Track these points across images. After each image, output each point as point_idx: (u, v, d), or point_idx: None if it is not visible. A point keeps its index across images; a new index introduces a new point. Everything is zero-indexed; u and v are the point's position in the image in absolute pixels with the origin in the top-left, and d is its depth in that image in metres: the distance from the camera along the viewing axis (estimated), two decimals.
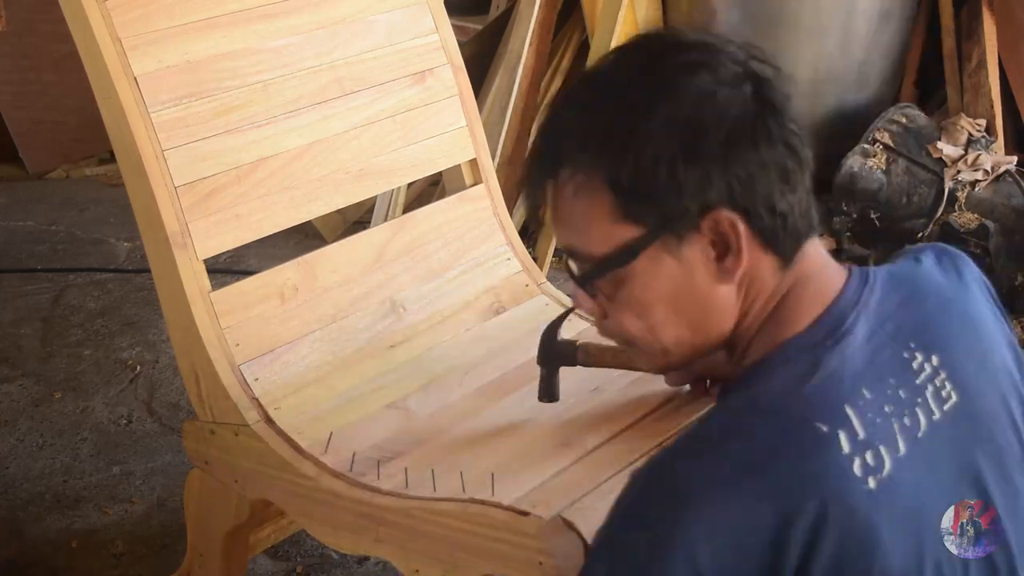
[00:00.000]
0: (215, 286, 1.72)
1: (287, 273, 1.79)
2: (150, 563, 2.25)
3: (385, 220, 2.96)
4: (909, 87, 3.68)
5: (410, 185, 3.39)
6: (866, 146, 3.30)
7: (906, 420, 1.01)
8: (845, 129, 3.39)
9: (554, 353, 1.66)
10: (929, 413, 1.03)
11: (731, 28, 3.37)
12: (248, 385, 1.69)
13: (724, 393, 1.07)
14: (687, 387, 1.64)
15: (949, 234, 3.15)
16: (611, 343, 1.59)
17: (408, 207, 3.43)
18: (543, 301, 1.98)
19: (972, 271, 1.17)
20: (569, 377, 1.69)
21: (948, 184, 3.20)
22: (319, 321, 1.79)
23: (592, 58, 3.41)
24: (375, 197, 3.35)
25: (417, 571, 1.55)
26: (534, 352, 1.72)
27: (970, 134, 3.30)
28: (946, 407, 1.04)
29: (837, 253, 3.38)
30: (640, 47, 1.06)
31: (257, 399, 1.69)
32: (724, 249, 1.02)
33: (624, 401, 1.69)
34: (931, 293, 1.11)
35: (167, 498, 2.44)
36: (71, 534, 2.35)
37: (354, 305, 1.84)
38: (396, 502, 1.54)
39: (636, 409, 1.66)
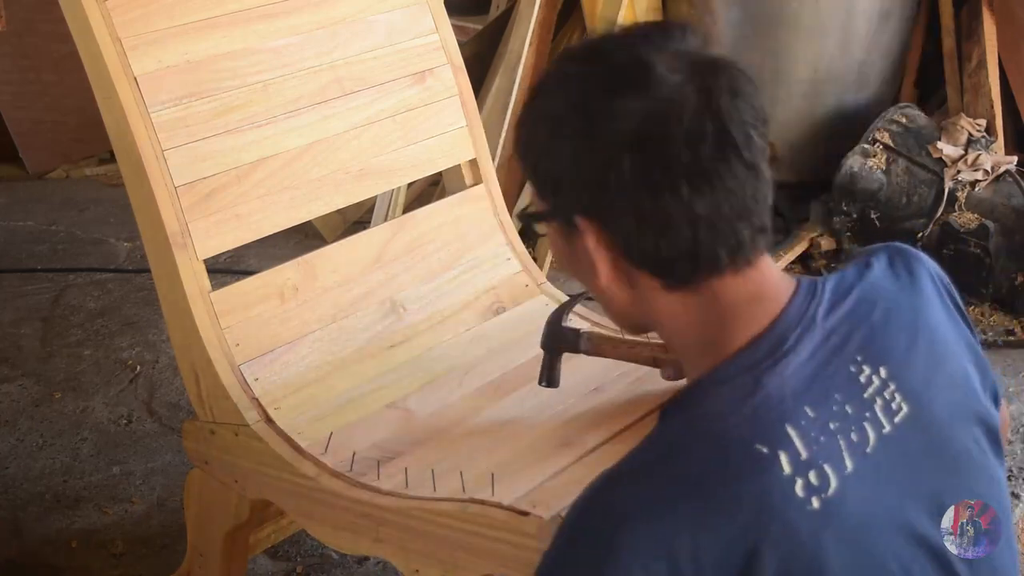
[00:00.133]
0: (215, 286, 1.73)
1: (287, 273, 1.79)
2: (150, 563, 2.25)
3: (385, 220, 2.96)
4: (909, 87, 3.68)
5: (410, 185, 3.39)
6: (866, 146, 3.30)
7: (853, 436, 0.99)
8: (845, 129, 3.39)
9: (558, 337, 1.66)
10: (879, 427, 1.01)
11: (731, 28, 3.37)
12: (248, 385, 1.69)
13: (664, 414, 1.04)
14: (683, 381, 1.63)
15: (949, 234, 3.15)
16: (617, 334, 1.59)
17: (408, 207, 3.43)
18: (543, 301, 1.98)
19: (928, 270, 1.14)
20: (569, 377, 1.70)
21: (948, 184, 3.20)
22: (319, 321, 1.79)
23: None
24: (375, 197, 3.35)
25: (417, 571, 1.55)
26: (534, 352, 1.73)
27: (970, 134, 3.30)
28: (897, 419, 1.02)
29: (837, 253, 3.39)
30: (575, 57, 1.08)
31: (257, 399, 1.69)
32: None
33: (624, 401, 1.69)
34: (879, 301, 1.08)
35: (167, 498, 2.44)
36: (71, 534, 2.35)
37: (354, 305, 1.84)
38: (396, 502, 1.54)
39: (636, 409, 1.66)
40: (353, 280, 1.85)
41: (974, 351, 1.13)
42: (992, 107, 3.39)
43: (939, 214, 3.20)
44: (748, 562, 0.93)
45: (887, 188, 3.27)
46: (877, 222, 3.26)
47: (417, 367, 1.82)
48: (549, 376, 1.67)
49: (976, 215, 3.18)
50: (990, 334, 3.04)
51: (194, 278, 1.69)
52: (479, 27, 3.76)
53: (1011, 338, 3.04)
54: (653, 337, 1.39)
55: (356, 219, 3.60)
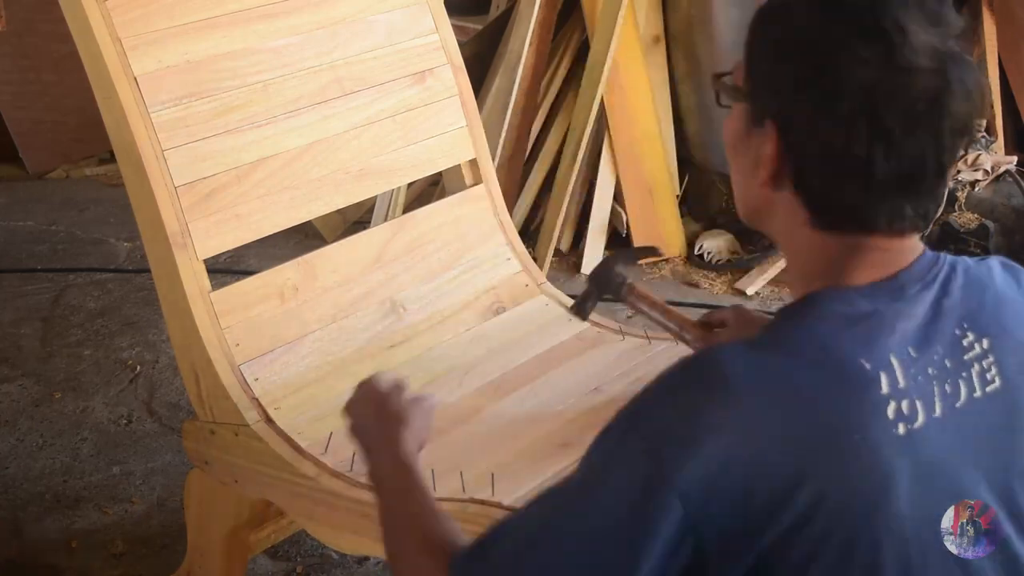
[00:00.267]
0: (215, 286, 1.73)
1: (287, 273, 1.79)
2: (150, 563, 2.25)
3: (385, 220, 2.96)
4: None
5: (410, 185, 3.39)
6: None
7: (947, 387, 1.04)
8: None
9: (606, 277, 1.70)
10: (971, 389, 1.06)
11: (731, 28, 3.37)
12: (248, 385, 1.69)
13: (781, 312, 1.11)
14: None
15: (949, 234, 3.15)
16: (659, 300, 1.66)
17: (408, 207, 3.43)
18: (543, 301, 1.98)
19: None
20: (569, 377, 1.70)
21: (948, 184, 3.20)
22: (319, 321, 1.79)
23: (592, 58, 3.42)
24: (375, 197, 3.35)
25: None
26: (534, 352, 1.73)
27: None
28: (988, 389, 1.07)
29: None
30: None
31: (257, 399, 1.69)
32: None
33: (624, 401, 1.69)
34: (991, 287, 1.13)
35: (167, 498, 2.44)
36: (71, 534, 2.35)
37: (354, 305, 1.84)
38: None
39: None
40: (353, 280, 1.85)
41: None
42: (992, 107, 3.39)
43: (939, 214, 3.20)
44: (826, 463, 0.98)
45: None
46: None
47: (417, 367, 1.82)
48: (581, 307, 1.73)
49: (976, 215, 3.18)
50: None
51: (194, 278, 1.69)
52: (479, 27, 3.76)
53: None
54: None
55: (356, 219, 3.60)
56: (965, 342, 1.07)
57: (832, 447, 0.98)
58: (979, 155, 3.23)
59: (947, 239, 3.16)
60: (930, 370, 1.04)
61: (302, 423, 1.69)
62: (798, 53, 1.07)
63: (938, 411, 1.03)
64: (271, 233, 1.79)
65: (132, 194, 1.70)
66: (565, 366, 1.71)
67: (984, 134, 3.32)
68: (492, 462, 1.57)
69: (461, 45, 2.10)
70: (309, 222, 2.17)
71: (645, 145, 3.49)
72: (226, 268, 3.21)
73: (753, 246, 3.44)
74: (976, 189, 3.20)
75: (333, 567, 2.23)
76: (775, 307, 2.99)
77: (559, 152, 3.54)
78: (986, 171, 3.21)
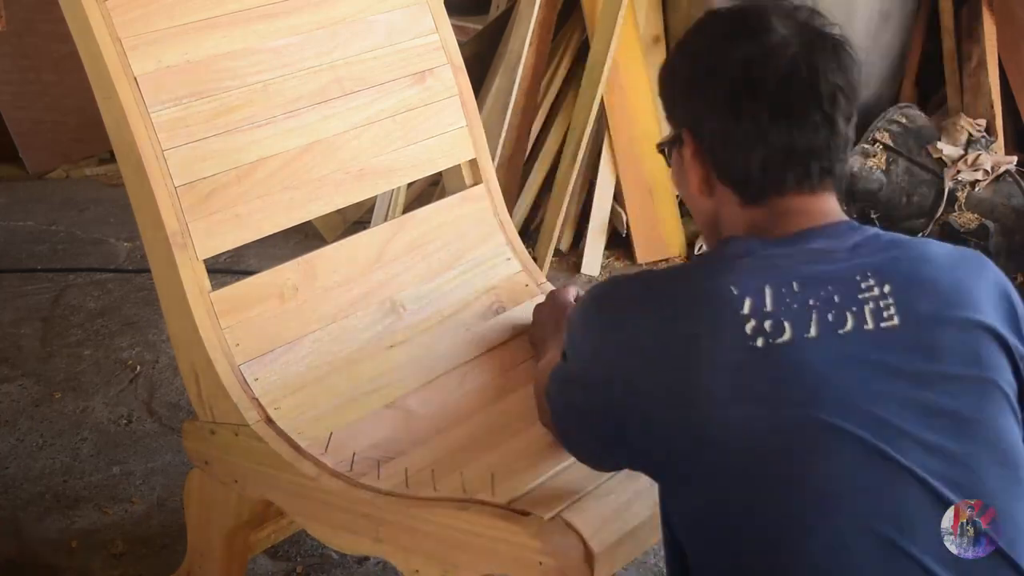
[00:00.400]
0: (215, 286, 1.72)
1: (287, 273, 1.79)
2: (150, 563, 2.25)
3: (385, 220, 2.96)
4: (909, 87, 3.68)
5: (410, 185, 3.39)
6: (866, 146, 3.30)
7: (829, 316, 1.14)
8: None
9: None
10: (861, 321, 1.15)
11: None
12: (248, 385, 1.69)
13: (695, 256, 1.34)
14: None
15: (949, 234, 3.15)
16: None
17: (408, 207, 3.43)
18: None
19: (995, 271, 1.25)
20: None
21: (948, 184, 3.20)
22: (319, 321, 1.79)
23: (592, 58, 3.42)
24: (375, 197, 3.35)
25: (417, 571, 1.55)
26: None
27: (970, 134, 3.30)
28: (883, 324, 1.15)
29: None
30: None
31: (257, 399, 1.69)
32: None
33: None
34: (915, 250, 1.22)
35: (167, 498, 2.44)
36: (71, 534, 2.35)
37: (354, 305, 1.84)
38: (396, 502, 1.54)
39: None
40: (353, 280, 1.85)
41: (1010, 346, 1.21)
42: (992, 107, 3.39)
43: (939, 214, 3.20)
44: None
45: (887, 188, 3.27)
46: (877, 222, 3.26)
47: (417, 367, 1.82)
48: None
49: (976, 215, 3.18)
50: None
51: (194, 278, 1.69)
52: (479, 27, 3.76)
53: None
54: None
55: (356, 219, 3.60)
56: (863, 284, 1.17)
57: (681, 351, 1.15)
58: (979, 155, 3.23)
59: (947, 239, 3.16)
60: (812, 301, 1.15)
61: (302, 423, 1.69)
62: (683, 64, 1.28)
63: (813, 332, 1.13)
64: (271, 233, 1.79)
65: (132, 194, 1.70)
66: None
67: (984, 134, 3.32)
68: (492, 462, 1.57)
69: (461, 45, 2.10)
70: (309, 222, 2.17)
71: (645, 145, 3.49)
72: (226, 268, 3.21)
73: None
74: (976, 189, 3.20)
75: (333, 567, 2.23)
76: None
77: (559, 152, 3.53)
78: (986, 171, 3.21)
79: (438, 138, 2.00)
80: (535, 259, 3.16)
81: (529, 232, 3.53)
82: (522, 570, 1.42)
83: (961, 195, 3.20)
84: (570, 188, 3.44)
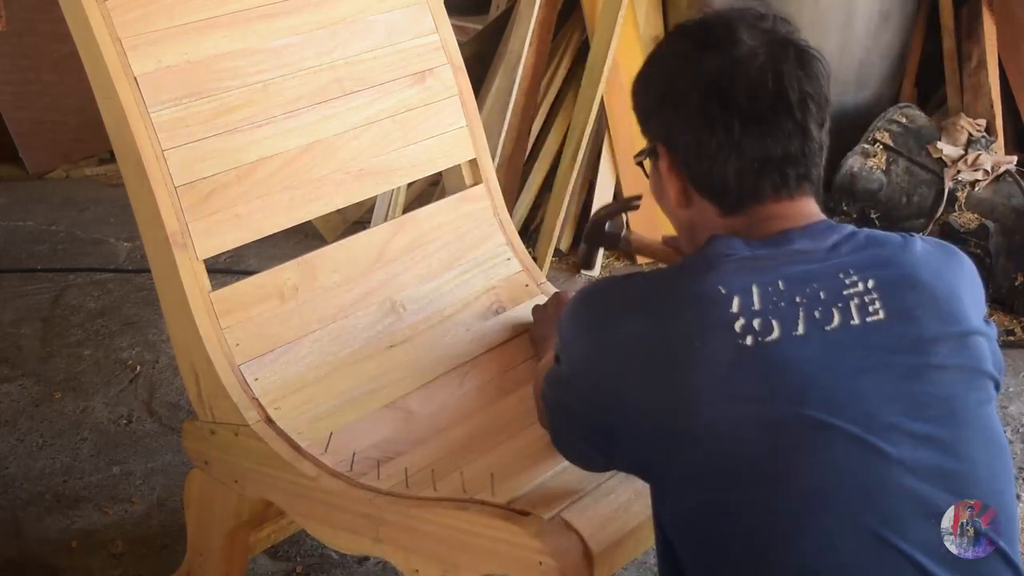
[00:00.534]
0: (215, 286, 1.73)
1: (287, 273, 1.79)
2: (150, 563, 2.25)
3: (385, 220, 2.96)
4: (909, 87, 3.68)
5: (410, 185, 3.39)
6: (866, 146, 3.30)
7: (816, 314, 1.16)
8: (845, 129, 3.39)
9: (601, 232, 1.88)
10: (847, 317, 1.16)
11: None
12: (248, 385, 1.69)
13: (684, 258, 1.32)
14: None
15: (949, 234, 3.15)
16: (655, 240, 1.87)
17: (408, 207, 3.43)
18: (543, 301, 1.98)
19: (968, 262, 1.28)
20: None
21: (948, 184, 3.20)
22: (319, 321, 1.79)
23: (592, 58, 3.42)
24: (375, 197, 3.35)
25: (417, 571, 1.55)
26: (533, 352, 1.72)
27: (970, 134, 3.30)
28: (869, 319, 1.17)
29: None
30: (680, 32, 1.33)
31: (257, 399, 1.69)
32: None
33: None
34: (893, 246, 1.23)
35: (167, 498, 2.44)
36: (71, 534, 2.35)
37: (354, 305, 1.84)
38: (396, 502, 1.54)
39: None
40: (353, 280, 1.85)
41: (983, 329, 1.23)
42: (992, 107, 3.39)
43: (939, 214, 3.20)
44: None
45: (887, 188, 3.27)
46: (877, 222, 3.26)
47: (417, 367, 1.82)
48: (587, 262, 1.98)
49: (976, 215, 3.18)
50: None
51: (194, 278, 1.69)
52: (479, 27, 3.76)
53: (1011, 338, 3.04)
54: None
55: (356, 219, 3.60)
56: (847, 281, 1.18)
57: (670, 352, 1.16)
58: (979, 155, 3.22)
59: (947, 239, 3.14)
60: (798, 299, 1.16)
61: (302, 423, 1.69)
62: (655, 78, 1.28)
63: (801, 330, 1.15)
64: (271, 233, 1.79)
65: (132, 194, 1.70)
66: None
67: (984, 134, 3.32)
68: (492, 462, 1.57)
69: (461, 45, 2.10)
70: (309, 222, 2.17)
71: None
72: (226, 268, 3.21)
73: None
74: (976, 189, 3.20)
75: (333, 567, 2.23)
76: None
77: (559, 152, 3.53)
78: (986, 171, 3.21)
79: (438, 138, 2.00)
80: (535, 259, 3.16)
81: (529, 232, 3.53)
82: (522, 570, 1.42)
83: (961, 195, 3.20)
84: (570, 188, 3.44)
